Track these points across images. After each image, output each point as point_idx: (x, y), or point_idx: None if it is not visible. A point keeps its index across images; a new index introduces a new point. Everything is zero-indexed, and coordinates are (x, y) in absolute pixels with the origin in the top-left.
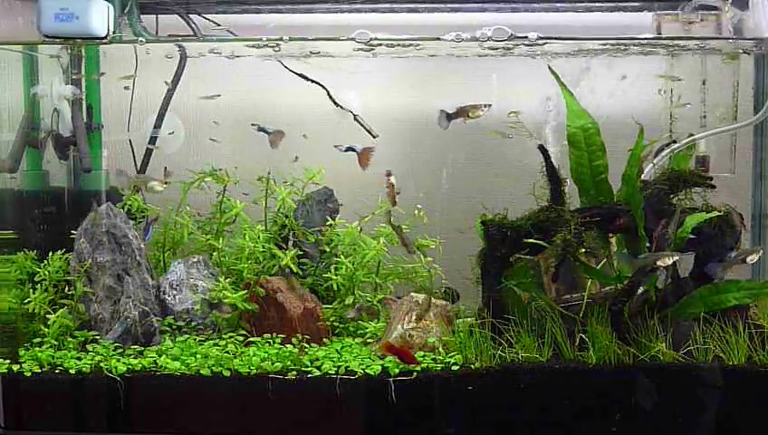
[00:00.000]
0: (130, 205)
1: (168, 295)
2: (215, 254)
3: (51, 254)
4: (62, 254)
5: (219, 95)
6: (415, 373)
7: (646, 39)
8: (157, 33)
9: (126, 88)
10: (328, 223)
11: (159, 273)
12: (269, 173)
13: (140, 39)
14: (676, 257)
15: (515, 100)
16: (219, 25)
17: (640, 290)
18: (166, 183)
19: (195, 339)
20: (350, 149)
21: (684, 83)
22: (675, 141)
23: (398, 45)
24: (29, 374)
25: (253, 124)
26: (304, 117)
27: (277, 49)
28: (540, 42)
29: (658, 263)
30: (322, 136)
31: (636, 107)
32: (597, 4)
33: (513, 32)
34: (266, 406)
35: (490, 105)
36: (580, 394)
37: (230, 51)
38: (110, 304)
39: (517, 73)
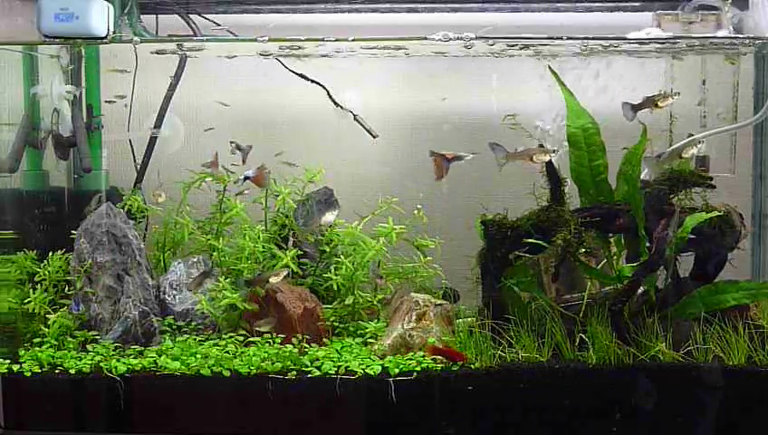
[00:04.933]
0: (131, 205)
1: (168, 295)
2: (215, 254)
3: (51, 254)
4: (62, 254)
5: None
6: (415, 373)
7: (645, 39)
8: (157, 33)
9: (107, 102)
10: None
11: (159, 273)
12: (269, 173)
13: (136, 39)
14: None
15: (516, 100)
16: (219, 25)
17: (640, 290)
18: None
19: (195, 339)
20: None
21: (683, 84)
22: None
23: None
24: (29, 374)
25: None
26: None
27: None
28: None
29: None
30: (322, 136)
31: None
32: (597, 4)
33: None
34: (266, 406)
35: (678, 94)
36: (580, 394)
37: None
38: (110, 304)
39: (518, 72)
